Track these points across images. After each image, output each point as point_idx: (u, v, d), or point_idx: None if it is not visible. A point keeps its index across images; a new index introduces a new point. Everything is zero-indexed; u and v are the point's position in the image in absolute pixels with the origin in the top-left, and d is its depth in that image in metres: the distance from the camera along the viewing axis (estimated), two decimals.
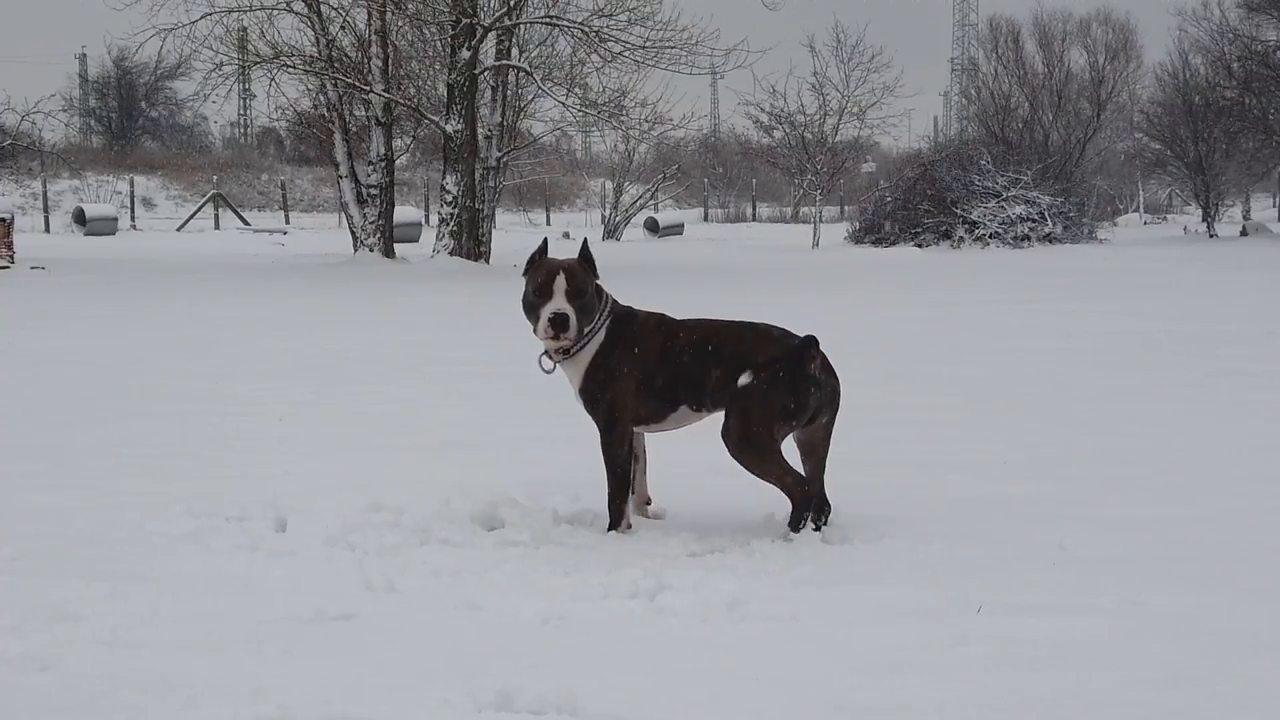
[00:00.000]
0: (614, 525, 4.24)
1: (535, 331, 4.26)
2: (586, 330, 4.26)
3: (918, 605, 3.38)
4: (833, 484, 4.46)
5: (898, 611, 3.33)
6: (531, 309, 4.28)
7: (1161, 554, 3.90)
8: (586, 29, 21.07)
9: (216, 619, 3.31)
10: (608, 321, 4.30)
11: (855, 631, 3.19)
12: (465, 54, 20.73)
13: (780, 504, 4.27)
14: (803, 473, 4.23)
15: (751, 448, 4.10)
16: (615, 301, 4.37)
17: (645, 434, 4.45)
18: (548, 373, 4.40)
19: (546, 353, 4.34)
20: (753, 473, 4.17)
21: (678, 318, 4.40)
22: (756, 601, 3.41)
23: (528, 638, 3.17)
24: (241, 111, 60.73)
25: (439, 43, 22.68)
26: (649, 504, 4.48)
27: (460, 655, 3.02)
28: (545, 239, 4.48)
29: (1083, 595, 3.46)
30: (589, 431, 4.42)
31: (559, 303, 4.20)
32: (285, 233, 34.89)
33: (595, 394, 4.28)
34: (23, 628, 3.23)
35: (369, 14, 21.62)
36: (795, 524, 4.11)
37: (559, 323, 4.19)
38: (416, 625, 3.26)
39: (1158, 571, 3.70)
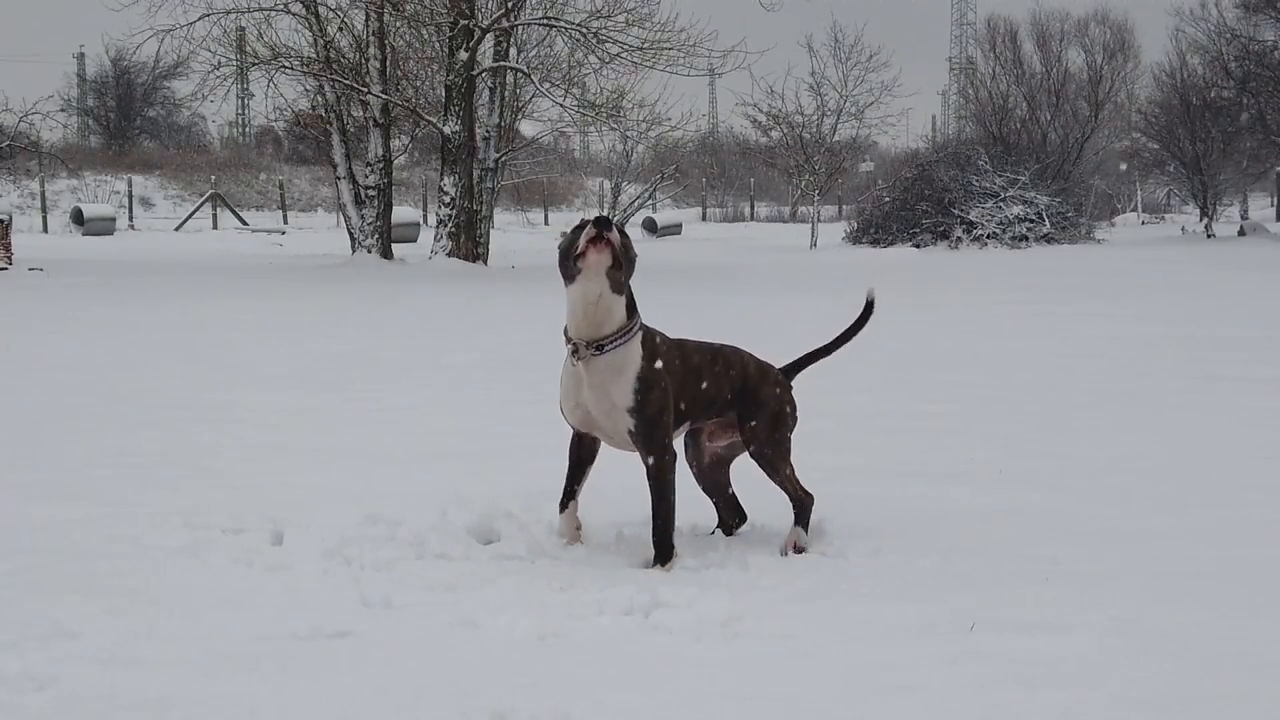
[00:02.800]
0: (669, 558, 3.97)
1: (578, 260, 3.85)
2: (622, 327, 3.95)
3: (911, 622, 3.40)
4: (828, 492, 4.48)
5: (892, 628, 3.35)
6: (567, 251, 3.90)
7: (1156, 569, 3.92)
8: (584, 30, 21.09)
9: (214, 636, 3.32)
10: (640, 332, 4.04)
11: (848, 649, 3.20)
12: (463, 55, 20.75)
13: (774, 518, 4.30)
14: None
15: (779, 448, 4.26)
16: None
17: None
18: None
19: (575, 350, 3.99)
20: (773, 471, 4.26)
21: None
22: (751, 618, 3.42)
23: (523, 656, 3.18)
24: (239, 111, 60.78)
25: (437, 44, 22.70)
26: (579, 528, 4.24)
27: (455, 674, 3.03)
28: (583, 219, 4.15)
29: (1076, 612, 3.47)
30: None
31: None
32: (283, 233, 34.92)
33: (655, 412, 3.97)
34: (20, 645, 3.23)
35: (367, 15, 21.65)
36: (806, 527, 4.26)
37: (602, 222, 3.86)
38: (412, 643, 3.27)
39: (1152, 587, 3.71)
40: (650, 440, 3.99)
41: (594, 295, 3.93)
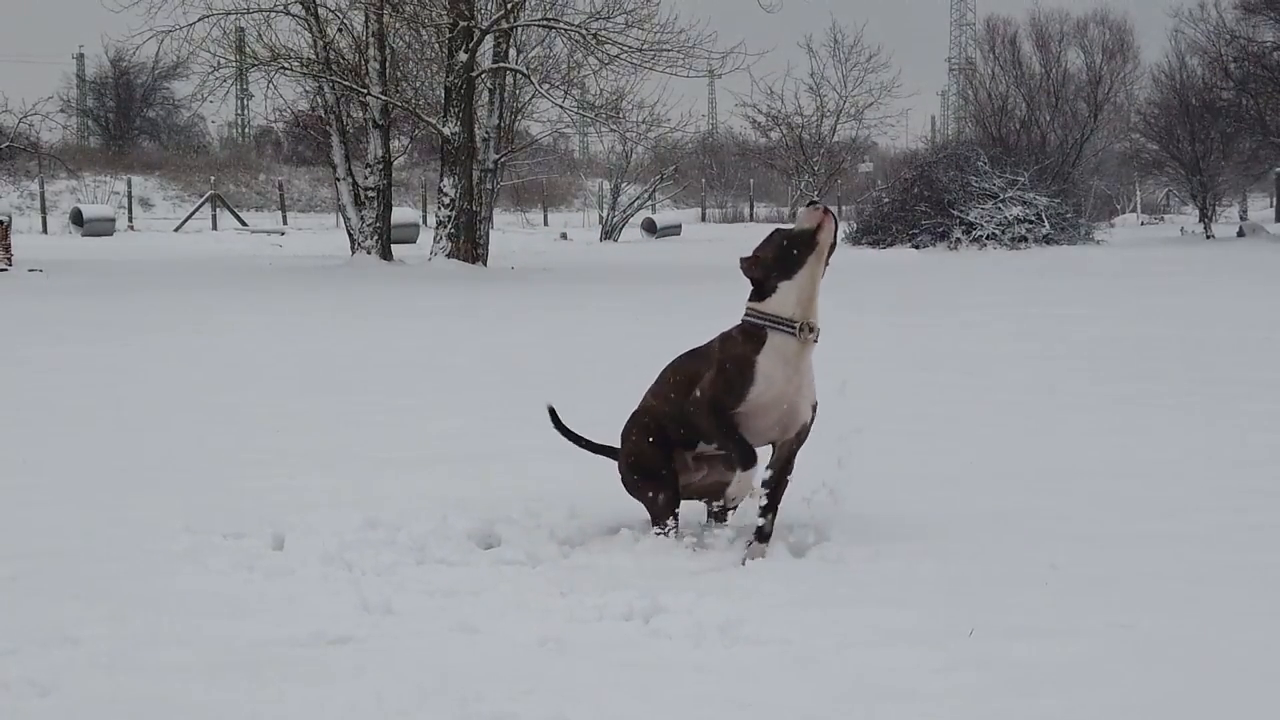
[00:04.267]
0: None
1: (818, 233, 4.04)
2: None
3: (910, 627, 3.41)
4: (826, 496, 4.49)
5: (890, 634, 3.36)
6: (795, 236, 4.08)
7: (1153, 574, 3.92)
8: (584, 31, 21.09)
9: (215, 641, 3.33)
10: None
11: (847, 655, 3.21)
12: (462, 56, 20.75)
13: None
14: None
15: None
16: None
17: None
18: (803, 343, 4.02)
19: (800, 329, 4.03)
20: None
21: None
22: (750, 624, 3.43)
23: (523, 661, 3.19)
24: (239, 112, 60.79)
25: (436, 45, 22.70)
26: None
27: (456, 680, 3.04)
28: (745, 259, 4.35)
29: (1074, 617, 3.48)
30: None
31: None
32: (283, 234, 34.90)
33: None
34: (21, 650, 3.24)
35: (366, 16, 21.64)
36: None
37: (816, 203, 4.10)
38: (413, 649, 3.28)
39: (1150, 592, 3.71)
40: (807, 428, 4.19)
41: (820, 273, 4.07)
